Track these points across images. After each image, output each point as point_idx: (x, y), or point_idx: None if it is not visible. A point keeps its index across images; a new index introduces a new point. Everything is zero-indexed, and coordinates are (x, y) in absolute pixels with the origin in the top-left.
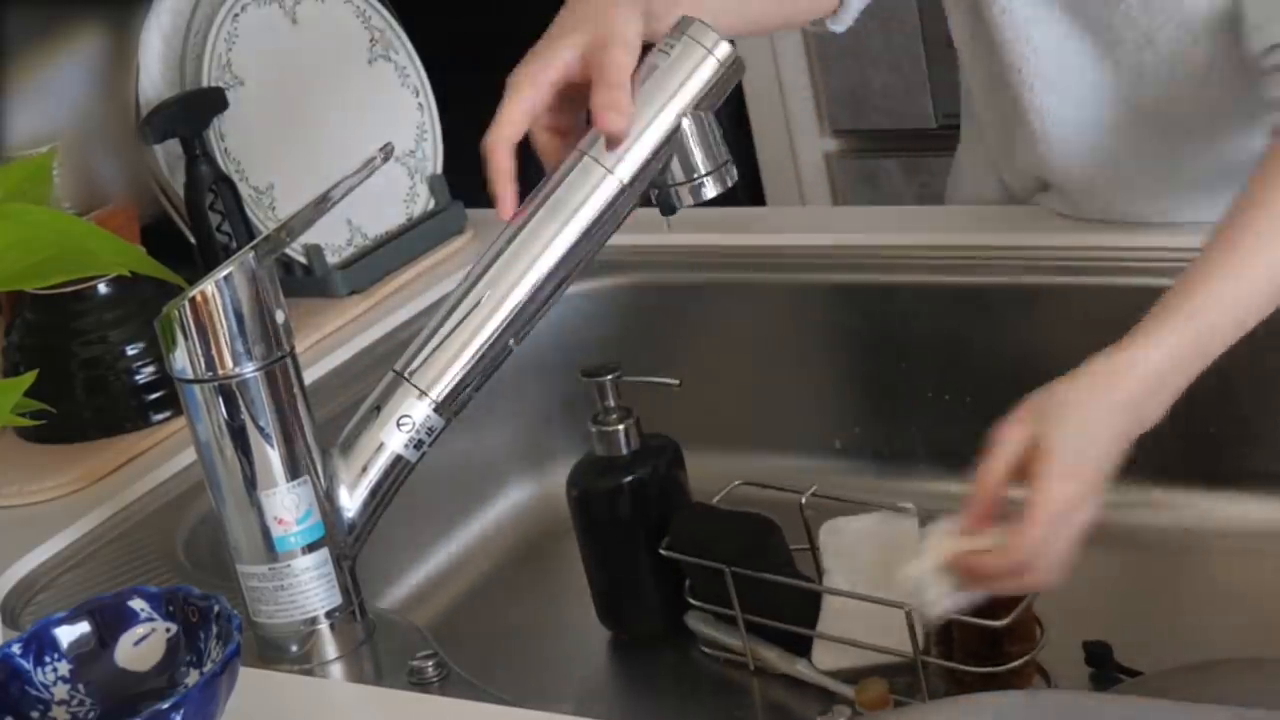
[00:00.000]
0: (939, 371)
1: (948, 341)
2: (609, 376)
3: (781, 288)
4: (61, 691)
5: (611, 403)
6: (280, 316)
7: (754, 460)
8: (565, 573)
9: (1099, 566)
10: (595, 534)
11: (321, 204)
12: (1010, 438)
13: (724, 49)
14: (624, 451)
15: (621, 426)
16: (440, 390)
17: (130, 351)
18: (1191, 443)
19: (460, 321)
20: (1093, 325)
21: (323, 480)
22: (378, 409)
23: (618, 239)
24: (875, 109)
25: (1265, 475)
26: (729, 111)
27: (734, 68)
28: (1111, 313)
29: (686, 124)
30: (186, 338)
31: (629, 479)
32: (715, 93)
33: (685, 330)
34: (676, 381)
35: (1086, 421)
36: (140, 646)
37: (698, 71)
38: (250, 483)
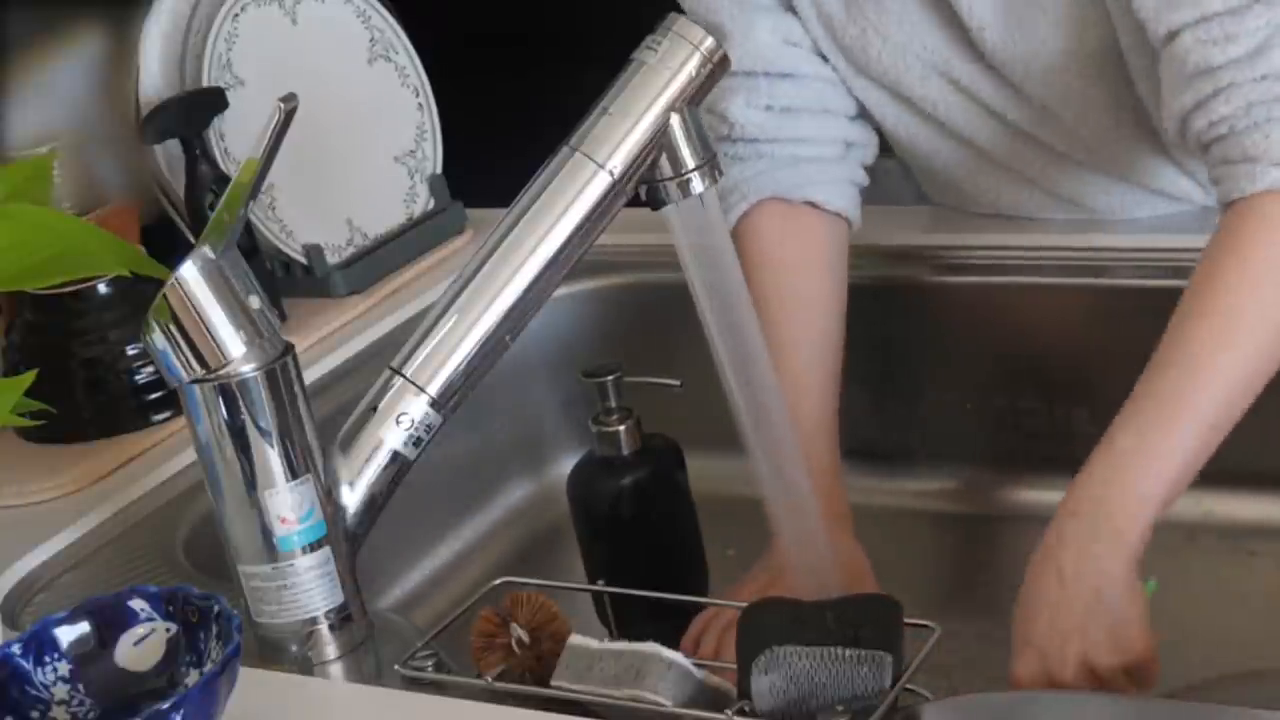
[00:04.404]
0: (939, 371)
1: (947, 341)
2: (610, 377)
3: None
4: (61, 691)
5: (612, 403)
6: (256, 302)
7: None
8: (565, 573)
9: None
10: (595, 534)
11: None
12: None
13: (709, 44)
14: (624, 452)
15: (622, 427)
16: (437, 387)
17: (130, 351)
18: None
19: (456, 318)
20: (1092, 325)
21: (323, 479)
22: (375, 407)
23: (617, 239)
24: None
25: (1267, 475)
26: None
27: (720, 63)
28: (1110, 312)
29: (674, 120)
30: (170, 341)
31: (629, 480)
32: (702, 88)
33: (685, 330)
34: (678, 382)
35: (1027, 602)
36: (140, 646)
37: (684, 67)
38: (250, 483)
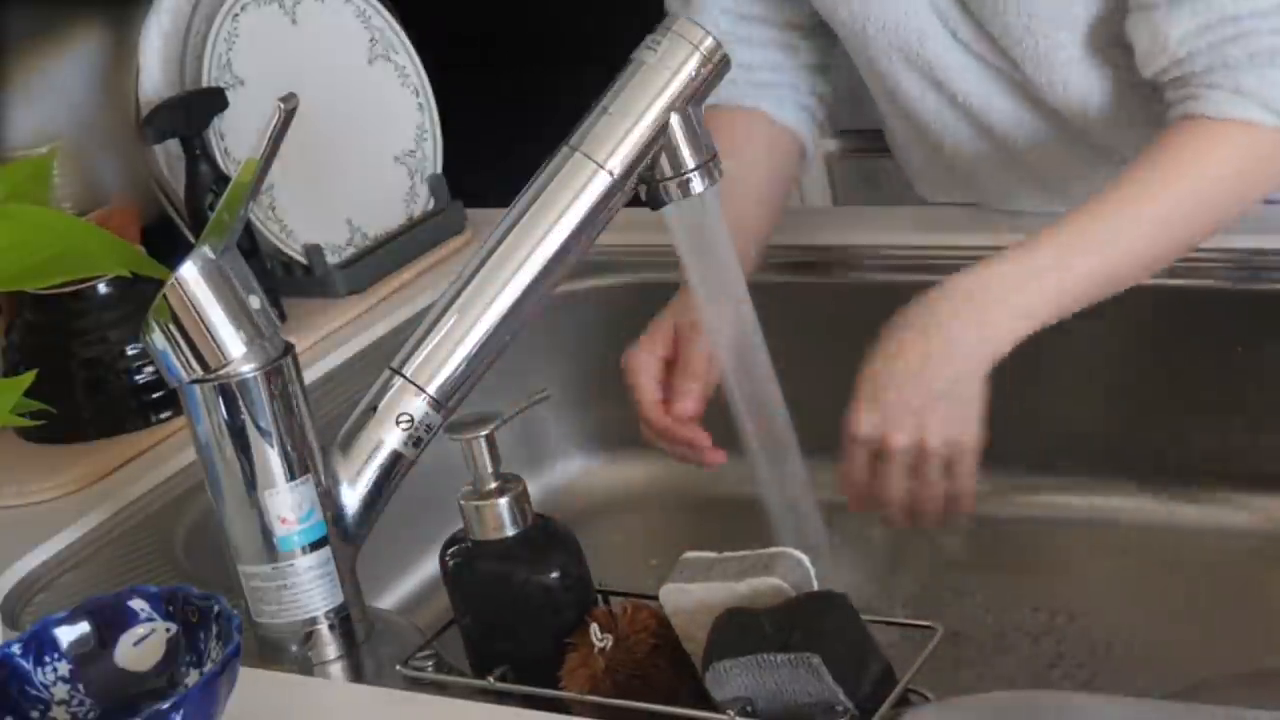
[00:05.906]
0: None
1: None
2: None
3: (781, 288)
4: (61, 691)
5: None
6: (256, 302)
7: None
8: None
9: (1102, 569)
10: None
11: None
12: None
13: (709, 44)
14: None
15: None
16: (437, 387)
17: (130, 351)
18: (1191, 443)
19: (456, 318)
20: (1091, 324)
21: (323, 479)
22: (375, 407)
23: (616, 238)
24: (876, 109)
25: (1266, 476)
26: None
27: (720, 63)
28: (1110, 312)
29: (674, 119)
30: (170, 341)
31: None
32: (702, 88)
33: None
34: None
35: (883, 369)
36: (140, 646)
37: (684, 67)
38: (250, 483)
